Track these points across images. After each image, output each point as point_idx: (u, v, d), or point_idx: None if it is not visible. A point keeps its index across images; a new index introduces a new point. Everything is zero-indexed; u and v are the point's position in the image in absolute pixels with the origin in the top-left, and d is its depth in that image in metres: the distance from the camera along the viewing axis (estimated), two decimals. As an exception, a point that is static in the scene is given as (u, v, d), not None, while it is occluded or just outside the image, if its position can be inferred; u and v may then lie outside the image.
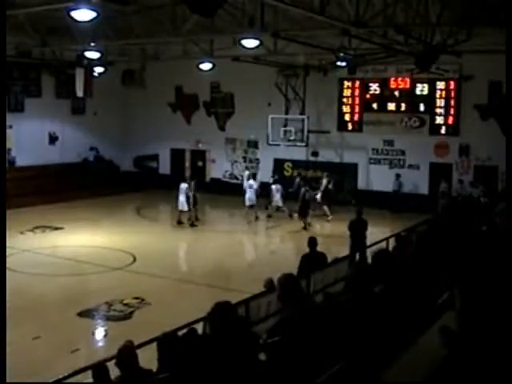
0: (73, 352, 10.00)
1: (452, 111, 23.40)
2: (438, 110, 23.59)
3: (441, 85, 23.40)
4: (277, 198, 22.30)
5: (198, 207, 21.22)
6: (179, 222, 20.79)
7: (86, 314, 11.96)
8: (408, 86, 24.00)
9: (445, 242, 9.25)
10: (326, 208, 22.34)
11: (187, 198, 20.40)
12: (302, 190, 21.03)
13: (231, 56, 21.51)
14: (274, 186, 22.59)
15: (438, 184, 22.94)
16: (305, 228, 20.31)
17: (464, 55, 19.50)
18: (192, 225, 20.71)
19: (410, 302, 6.10)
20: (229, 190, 26.73)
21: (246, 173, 24.46)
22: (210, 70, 22.64)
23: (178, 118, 29.30)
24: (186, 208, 20.53)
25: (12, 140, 24.16)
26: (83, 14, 12.42)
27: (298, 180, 23.41)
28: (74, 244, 17.97)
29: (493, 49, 16.65)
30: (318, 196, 22.53)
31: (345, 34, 16.16)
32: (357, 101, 25.15)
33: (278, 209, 22.51)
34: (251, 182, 22.36)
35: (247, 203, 21.67)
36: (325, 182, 23.49)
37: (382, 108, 24.58)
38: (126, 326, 11.41)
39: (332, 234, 17.96)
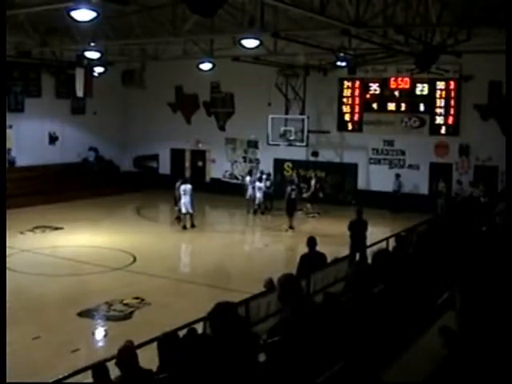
0: (73, 352, 10.00)
1: (452, 111, 23.41)
2: (438, 110, 23.60)
3: (441, 85, 23.40)
4: (258, 196, 22.95)
5: None
6: (185, 227, 20.21)
7: (86, 314, 11.95)
8: (408, 86, 24.01)
9: (445, 242, 9.25)
10: (309, 206, 22.98)
11: (191, 199, 20.00)
12: (288, 189, 21.16)
13: (231, 56, 21.50)
14: (257, 184, 23.08)
15: (436, 184, 23.06)
16: (291, 227, 20.46)
17: (464, 55, 19.51)
18: (192, 225, 20.55)
19: (410, 302, 6.10)
20: (229, 190, 26.75)
21: (264, 176, 24.13)
22: (210, 69, 22.62)
23: (178, 118, 29.30)
24: (190, 210, 20.12)
25: (12, 140, 24.20)
26: (83, 14, 12.41)
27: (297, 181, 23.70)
28: (74, 244, 17.97)
29: (493, 49, 16.66)
30: (306, 195, 23.07)
31: (345, 34, 16.15)
32: (357, 101, 25.15)
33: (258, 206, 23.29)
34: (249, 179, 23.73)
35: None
36: (313, 182, 23.63)
37: (382, 108, 24.58)
38: (126, 325, 11.41)
39: (332, 234, 17.93)
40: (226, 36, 18.77)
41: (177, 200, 20.65)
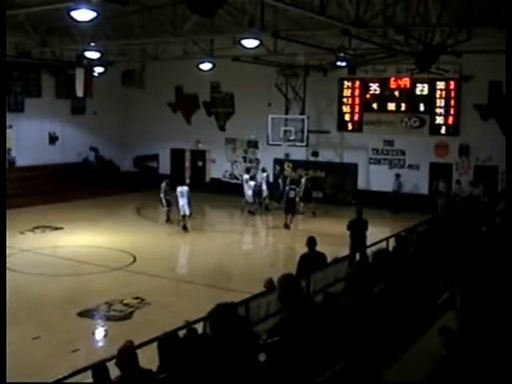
0: (73, 352, 9.99)
1: (452, 111, 23.41)
2: (438, 110, 23.60)
3: (441, 85, 23.40)
4: (249, 194, 23.11)
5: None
6: (185, 227, 19.93)
7: (86, 314, 11.96)
8: (408, 85, 24.01)
9: (445, 242, 9.25)
10: (302, 205, 23.06)
11: (189, 201, 19.76)
12: (287, 188, 21.30)
13: (231, 56, 21.50)
14: (249, 182, 23.26)
15: (436, 184, 23.08)
16: (286, 226, 20.58)
17: (464, 55, 19.51)
18: (184, 227, 20.12)
19: (410, 302, 6.10)
20: (229, 190, 26.72)
21: (265, 174, 24.58)
22: (210, 69, 22.62)
23: (178, 117, 29.30)
24: (188, 212, 19.85)
25: (12, 140, 24.19)
26: (83, 14, 12.41)
27: (303, 180, 23.70)
28: (74, 244, 17.97)
29: (493, 49, 16.66)
30: (299, 194, 23.06)
31: (345, 34, 16.15)
32: (357, 101, 25.15)
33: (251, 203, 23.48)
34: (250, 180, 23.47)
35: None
36: (303, 181, 23.65)
37: (382, 108, 24.58)
38: (126, 325, 11.41)
39: (332, 234, 17.92)
40: (226, 36, 18.77)
41: (162, 202, 20.95)
